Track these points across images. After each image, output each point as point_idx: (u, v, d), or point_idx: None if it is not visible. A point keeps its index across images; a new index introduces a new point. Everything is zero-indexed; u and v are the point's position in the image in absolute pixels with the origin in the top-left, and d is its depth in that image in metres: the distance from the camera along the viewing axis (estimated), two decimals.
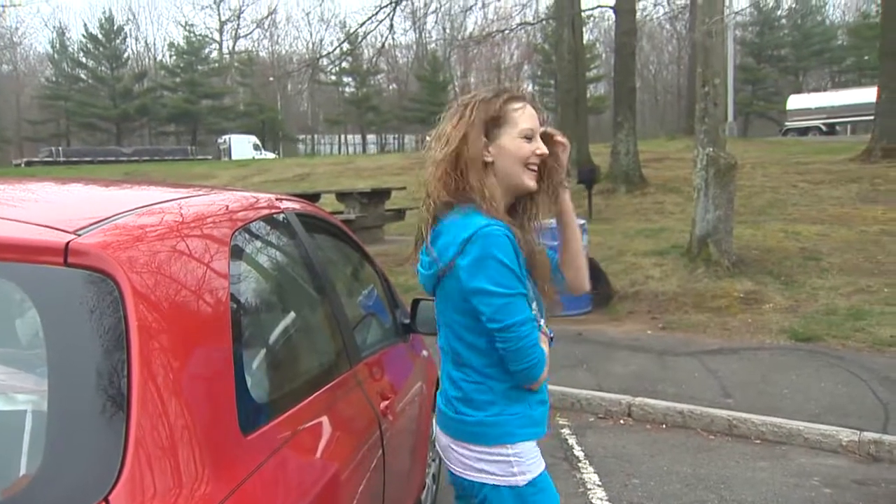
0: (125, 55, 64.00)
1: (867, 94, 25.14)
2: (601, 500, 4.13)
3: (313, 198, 11.99)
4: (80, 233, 1.39)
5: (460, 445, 1.97)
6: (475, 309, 1.88)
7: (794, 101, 40.13)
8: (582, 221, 8.35)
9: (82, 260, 1.34)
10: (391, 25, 16.25)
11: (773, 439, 5.03)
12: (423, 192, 1.99)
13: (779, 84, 56.47)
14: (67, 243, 1.33)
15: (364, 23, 16.38)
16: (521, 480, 1.92)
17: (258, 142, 52.03)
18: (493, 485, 1.93)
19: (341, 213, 13.22)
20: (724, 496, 4.19)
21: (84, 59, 61.92)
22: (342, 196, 13.97)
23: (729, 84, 18.92)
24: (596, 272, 8.69)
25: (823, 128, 36.40)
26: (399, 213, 14.29)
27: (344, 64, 56.90)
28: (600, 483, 4.35)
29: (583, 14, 20.39)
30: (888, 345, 6.70)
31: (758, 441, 5.05)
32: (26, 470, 1.18)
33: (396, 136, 68.91)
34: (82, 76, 62.59)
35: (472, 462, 1.95)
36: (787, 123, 39.23)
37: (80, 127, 62.25)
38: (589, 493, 4.22)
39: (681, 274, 9.16)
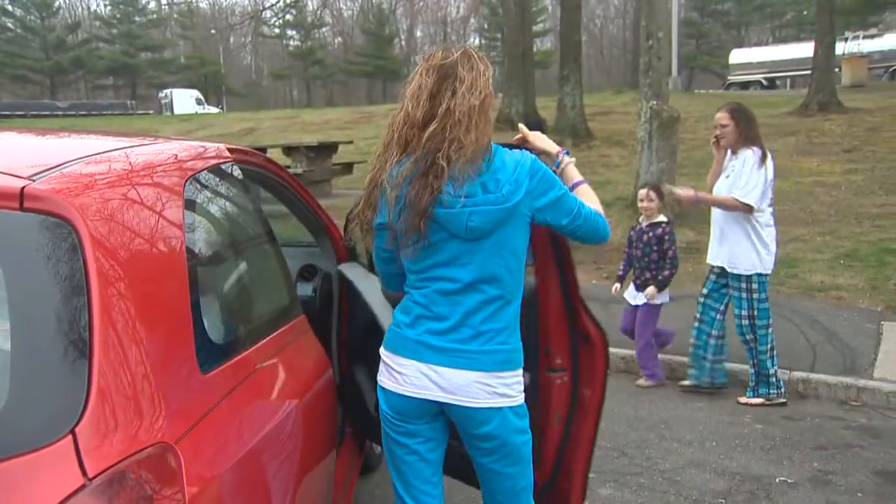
0: (56, 4, 61.45)
1: (806, 49, 25.61)
2: None
3: (260, 151, 11.82)
4: (34, 178, 1.41)
5: (491, 376, 2.05)
6: (543, 224, 2.11)
7: (737, 56, 40.68)
8: None
9: (38, 205, 1.36)
10: None
11: None
12: (472, 149, 2.00)
13: (722, 38, 57.14)
14: (23, 188, 1.36)
15: None
16: (521, 398, 2.12)
17: (201, 96, 50.77)
18: (509, 406, 2.07)
19: (288, 167, 13.08)
20: (664, 434, 4.40)
21: (10, 7, 59.22)
22: (289, 150, 13.81)
23: (673, 38, 19.10)
24: None
25: (764, 82, 37.01)
26: (347, 167, 14.21)
27: (288, 16, 55.68)
28: None
29: None
30: (818, 290, 7.01)
31: None
32: None
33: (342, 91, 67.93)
34: (9, 25, 59.91)
35: (498, 389, 2.06)
36: (729, 78, 39.77)
37: (9, 80, 59.78)
38: None
39: (625, 225, 9.31)
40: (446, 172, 1.97)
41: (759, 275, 4.63)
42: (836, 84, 18.75)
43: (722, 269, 4.81)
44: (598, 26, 68.24)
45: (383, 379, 2.14)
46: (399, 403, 2.10)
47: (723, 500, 3.61)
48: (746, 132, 4.60)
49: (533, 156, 2.13)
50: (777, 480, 3.79)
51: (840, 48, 25.30)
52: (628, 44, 52.58)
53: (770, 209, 4.66)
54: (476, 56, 2.10)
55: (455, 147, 1.97)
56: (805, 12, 46.63)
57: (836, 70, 22.45)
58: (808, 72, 19.09)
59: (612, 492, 3.70)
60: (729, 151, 4.73)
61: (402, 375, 2.08)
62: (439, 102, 2.00)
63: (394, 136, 2.07)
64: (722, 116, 4.67)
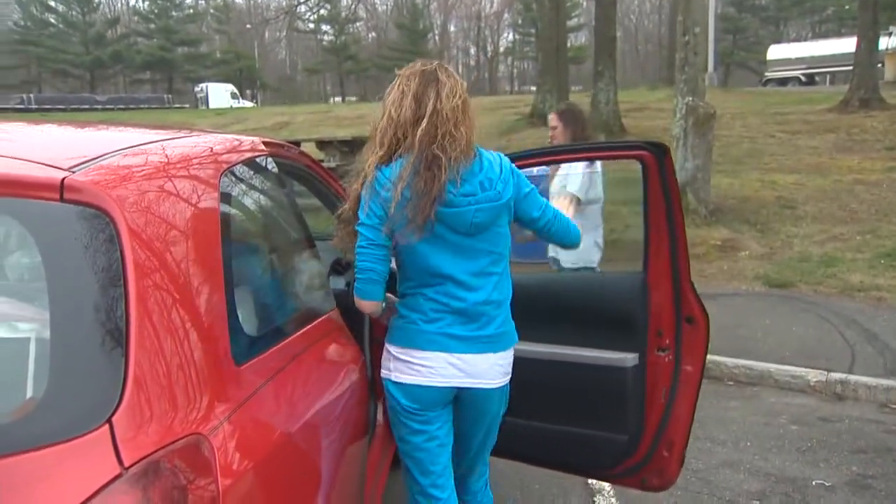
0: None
1: (847, 45, 25.08)
2: None
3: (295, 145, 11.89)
4: (74, 170, 1.42)
5: (503, 356, 2.30)
6: (519, 216, 2.30)
7: (775, 52, 40.01)
8: (547, 169, 8.40)
9: (78, 196, 1.37)
10: None
11: (744, 381, 5.20)
12: (465, 142, 2.16)
13: (760, 34, 56.23)
14: (63, 180, 1.37)
15: None
16: None
17: (236, 90, 51.25)
18: (507, 383, 2.35)
19: (322, 161, 13.14)
20: (697, 434, 4.31)
21: (53, 3, 60.25)
22: (322, 144, 13.87)
23: (709, 33, 18.83)
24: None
25: (803, 78, 36.39)
26: None
27: (322, 11, 55.99)
28: None
29: None
30: (857, 290, 6.87)
31: (730, 383, 5.21)
32: (32, 393, 1.24)
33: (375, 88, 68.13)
34: (52, 20, 60.98)
35: (505, 368, 2.32)
36: (767, 74, 39.16)
37: (52, 74, 60.87)
38: None
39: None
40: (444, 162, 2.09)
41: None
42: (878, 80, 18.37)
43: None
44: (633, 21, 67.63)
45: (399, 374, 2.24)
46: (422, 394, 2.23)
47: (757, 502, 3.56)
48: (575, 132, 4.47)
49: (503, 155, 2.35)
50: (814, 483, 3.73)
51: (883, 43, 24.73)
52: (664, 39, 51.99)
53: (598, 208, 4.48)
54: (451, 69, 2.29)
55: (448, 140, 2.11)
56: (847, 7, 45.73)
57: (879, 66, 21.96)
58: (849, 68, 18.72)
59: (644, 493, 3.66)
60: None
61: (427, 368, 2.20)
62: (425, 103, 2.14)
63: (377, 138, 2.19)
64: (552, 118, 4.50)
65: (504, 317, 2.30)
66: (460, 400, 2.30)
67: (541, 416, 2.88)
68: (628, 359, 2.74)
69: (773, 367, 5.15)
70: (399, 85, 2.20)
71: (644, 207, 2.76)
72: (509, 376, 2.34)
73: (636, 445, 2.80)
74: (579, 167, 4.27)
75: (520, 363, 2.62)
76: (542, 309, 2.88)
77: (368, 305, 2.21)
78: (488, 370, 2.25)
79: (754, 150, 13.70)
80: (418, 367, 2.21)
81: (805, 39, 49.01)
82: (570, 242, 2.48)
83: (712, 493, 3.65)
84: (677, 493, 3.62)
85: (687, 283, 2.71)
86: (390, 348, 2.27)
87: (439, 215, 2.11)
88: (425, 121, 2.12)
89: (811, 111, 16.83)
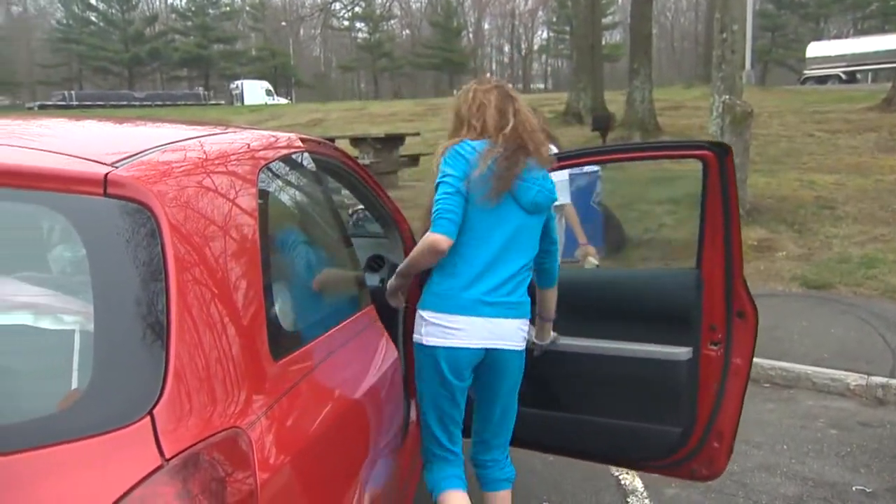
0: None
1: (890, 41, 24.58)
2: None
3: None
4: (116, 165, 1.44)
5: (524, 322, 2.62)
6: (549, 224, 2.72)
7: (814, 49, 39.24)
8: (596, 168, 8.36)
9: (120, 191, 1.39)
10: None
11: (781, 383, 5.12)
12: (540, 141, 2.63)
13: (799, 31, 55.25)
14: (106, 175, 1.39)
15: None
16: None
17: (271, 87, 51.65)
18: (525, 347, 2.64)
19: (356, 158, 13.18)
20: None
21: (94, 2, 61.28)
22: (356, 141, 13.91)
23: (747, 31, 18.58)
24: (609, 219, 8.71)
25: (843, 76, 35.63)
26: (414, 159, 14.24)
27: (357, 9, 56.22)
28: None
29: None
30: None
31: (766, 384, 5.13)
32: (77, 384, 1.26)
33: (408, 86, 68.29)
34: (93, 19, 62.05)
35: (524, 333, 2.62)
36: (805, 72, 38.41)
37: (92, 71, 61.93)
38: None
39: (695, 222, 9.17)
40: (530, 149, 2.55)
41: None
42: None
43: None
44: (668, 19, 66.93)
45: (431, 338, 2.49)
46: (457, 355, 2.49)
47: None
48: None
49: None
50: (854, 489, 3.66)
51: None
52: (700, 37, 51.27)
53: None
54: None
55: (529, 136, 2.58)
56: (892, 2, 44.79)
57: None
58: (893, 65, 18.33)
59: (677, 492, 3.63)
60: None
61: (461, 331, 2.48)
62: (510, 113, 2.58)
63: (454, 131, 2.67)
64: None
65: (525, 289, 2.61)
66: (484, 363, 2.56)
67: (593, 410, 2.95)
68: (682, 353, 2.81)
69: (810, 369, 5.07)
70: (476, 97, 2.62)
71: (701, 205, 2.83)
72: (526, 342, 2.64)
73: (689, 437, 2.87)
74: (563, 174, 4.28)
75: (574, 358, 2.89)
76: (597, 305, 3.00)
77: (443, 240, 2.42)
78: (514, 332, 2.56)
79: (792, 149, 13.48)
80: (452, 331, 2.47)
81: (846, 36, 48.06)
82: (553, 275, 2.81)
83: (748, 496, 3.60)
84: (712, 495, 3.59)
85: (739, 279, 2.79)
86: (423, 314, 2.53)
87: (512, 187, 2.49)
88: (510, 128, 2.54)
89: (852, 110, 16.51)
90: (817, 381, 4.99)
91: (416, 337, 2.56)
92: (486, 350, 2.52)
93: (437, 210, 2.45)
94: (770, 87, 27.78)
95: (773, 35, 55.00)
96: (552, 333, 2.93)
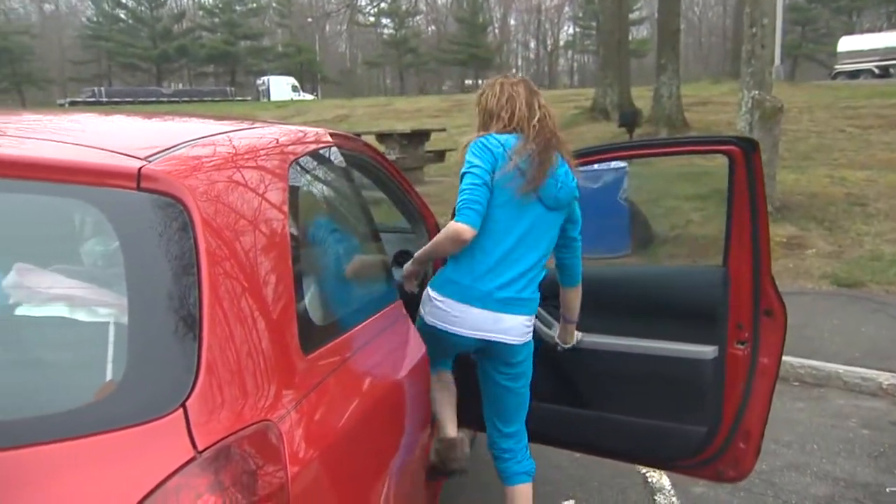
0: None
1: None
2: None
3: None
4: (150, 159, 1.45)
5: (531, 318, 2.66)
6: (570, 219, 2.72)
7: (846, 43, 38.60)
8: (623, 164, 8.30)
9: (153, 185, 1.40)
10: None
11: (811, 382, 5.05)
12: (558, 135, 2.66)
13: (831, 25, 54.39)
14: (140, 169, 1.40)
15: None
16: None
17: (297, 83, 51.92)
18: (530, 340, 2.69)
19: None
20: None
21: None
22: (382, 137, 13.95)
23: (777, 25, 18.35)
24: (636, 215, 8.65)
25: (876, 70, 34.98)
26: (440, 155, 14.24)
27: (382, 5, 56.31)
28: None
29: None
30: None
31: (796, 383, 5.07)
32: (112, 376, 1.28)
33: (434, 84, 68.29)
34: (122, 16, 62.77)
35: (529, 328, 2.66)
36: (836, 66, 37.80)
37: (121, 67, 62.68)
38: None
39: (722, 218, 9.07)
40: (560, 147, 2.61)
41: None
42: None
43: None
44: (696, 14, 66.27)
45: (434, 319, 2.58)
46: (454, 340, 2.59)
47: None
48: None
49: None
50: (888, 490, 3.60)
51: None
52: (728, 31, 50.75)
53: None
54: None
55: (558, 135, 2.65)
56: None
57: None
58: None
59: (705, 490, 3.60)
60: None
61: (463, 320, 2.54)
62: (536, 106, 2.63)
63: (482, 123, 2.69)
64: None
65: (536, 285, 2.64)
66: (485, 352, 2.66)
67: (616, 408, 2.93)
68: (708, 351, 2.77)
69: (841, 368, 5.00)
70: (504, 90, 2.65)
71: (728, 202, 2.79)
72: (531, 335, 2.67)
73: (714, 437, 2.84)
74: None
75: (599, 355, 2.85)
76: (622, 302, 2.98)
77: (467, 230, 2.45)
78: (518, 327, 2.60)
79: (823, 145, 13.30)
80: (454, 318, 2.55)
81: (880, 30, 47.21)
82: (576, 274, 2.80)
83: (777, 495, 3.56)
84: (740, 494, 3.55)
85: (767, 277, 2.74)
86: (432, 293, 2.60)
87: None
88: (537, 121, 2.58)
89: (885, 105, 16.25)
90: (848, 381, 4.92)
91: (420, 310, 2.64)
92: (487, 341, 2.59)
93: (462, 199, 2.48)
94: (799, 83, 27.42)
95: (803, 29, 54.24)
96: (577, 334, 2.92)
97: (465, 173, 2.52)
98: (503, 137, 2.56)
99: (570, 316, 2.87)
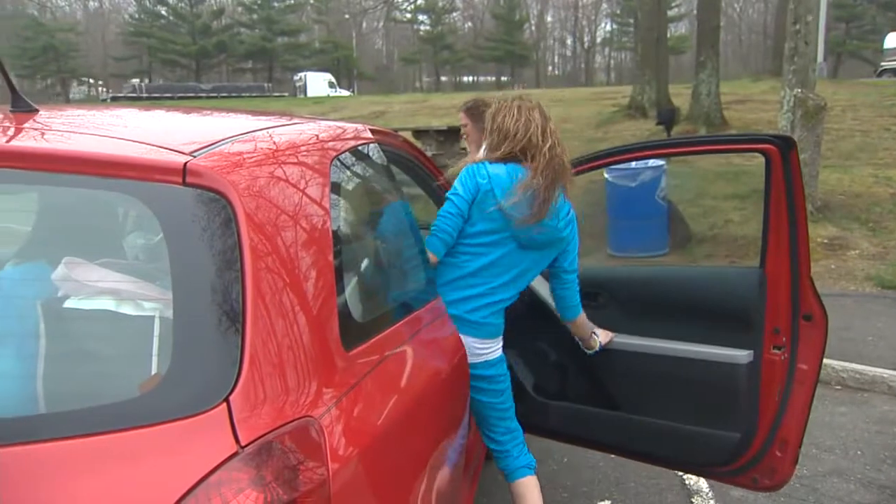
0: None
1: None
2: None
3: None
4: (195, 154, 1.46)
5: (483, 340, 2.61)
6: (560, 257, 2.67)
7: (893, 39, 37.71)
8: (661, 163, 8.21)
9: (198, 180, 1.41)
10: None
11: (854, 386, 4.95)
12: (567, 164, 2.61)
13: (877, 21, 53.12)
14: (185, 164, 1.41)
15: None
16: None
17: (333, 79, 52.20)
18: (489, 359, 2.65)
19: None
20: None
21: None
22: (418, 133, 13.93)
23: (821, 21, 17.98)
24: (674, 214, 8.56)
25: None
26: None
27: (419, 1, 56.37)
28: None
29: None
30: None
31: (838, 387, 4.97)
32: (157, 369, 1.28)
33: (470, 77, 68.24)
34: (163, 13, 63.70)
35: (481, 349, 2.60)
36: (882, 64, 36.82)
37: (161, 63, 63.58)
38: None
39: (761, 218, 8.93)
40: (565, 182, 2.58)
41: None
42: None
43: None
44: (736, 10, 65.31)
45: None
46: None
47: None
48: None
49: None
50: None
51: None
52: (768, 29, 49.88)
53: None
54: None
55: (565, 167, 2.59)
56: None
57: None
58: None
59: (744, 494, 3.54)
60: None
61: None
62: (548, 132, 2.58)
63: (492, 145, 2.64)
64: (461, 116, 4.16)
65: (491, 312, 2.61)
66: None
67: (649, 411, 2.89)
68: (742, 356, 2.71)
69: (886, 372, 4.89)
70: (522, 113, 2.60)
71: (765, 202, 2.71)
72: (487, 357, 2.61)
73: (749, 444, 2.77)
74: None
75: (631, 357, 2.80)
76: (655, 303, 2.93)
77: (431, 256, 2.50)
78: (470, 349, 2.51)
79: (867, 143, 13.01)
80: None
81: None
82: (573, 306, 2.76)
83: (819, 501, 3.49)
84: (781, 499, 3.49)
85: (806, 280, 2.67)
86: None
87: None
88: (548, 149, 2.53)
89: None
90: (893, 385, 4.81)
91: None
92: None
93: (434, 226, 2.56)
94: (842, 80, 26.88)
95: (847, 26, 53.11)
96: (598, 341, 2.89)
97: (447, 198, 2.58)
98: (501, 168, 2.55)
99: (582, 340, 2.89)
